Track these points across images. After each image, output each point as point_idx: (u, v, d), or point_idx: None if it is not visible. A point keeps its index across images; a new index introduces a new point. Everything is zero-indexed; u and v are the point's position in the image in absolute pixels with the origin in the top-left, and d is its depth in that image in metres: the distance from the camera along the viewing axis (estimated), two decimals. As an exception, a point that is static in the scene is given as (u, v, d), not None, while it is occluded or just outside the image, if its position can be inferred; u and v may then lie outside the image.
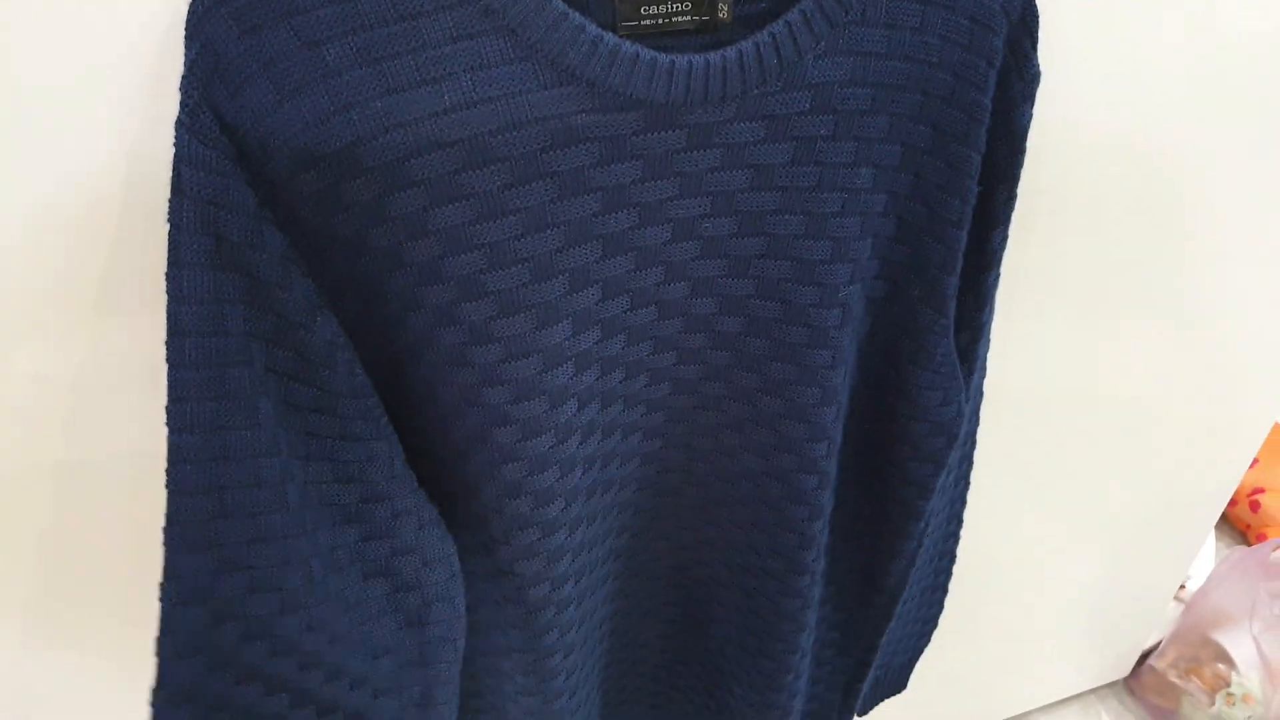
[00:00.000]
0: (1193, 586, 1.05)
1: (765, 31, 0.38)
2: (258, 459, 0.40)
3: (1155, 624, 1.03)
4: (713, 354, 0.48)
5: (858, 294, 0.47)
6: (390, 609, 0.48)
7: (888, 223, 0.46)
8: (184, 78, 0.34)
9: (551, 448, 0.47)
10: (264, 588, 0.42)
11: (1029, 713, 1.11)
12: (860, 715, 0.81)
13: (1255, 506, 1.18)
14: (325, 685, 0.46)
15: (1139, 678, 1.08)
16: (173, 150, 0.35)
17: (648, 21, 0.38)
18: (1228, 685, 0.96)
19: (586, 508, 0.52)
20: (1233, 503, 1.21)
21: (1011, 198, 0.49)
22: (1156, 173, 0.64)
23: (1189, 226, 0.68)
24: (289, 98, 0.35)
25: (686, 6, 0.38)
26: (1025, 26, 0.43)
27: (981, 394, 0.61)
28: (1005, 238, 0.50)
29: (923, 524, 0.59)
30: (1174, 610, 1.05)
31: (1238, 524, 1.24)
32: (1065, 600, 0.96)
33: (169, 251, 0.36)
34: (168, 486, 0.39)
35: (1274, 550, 0.96)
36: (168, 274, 0.36)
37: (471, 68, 0.35)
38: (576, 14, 0.35)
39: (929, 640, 0.80)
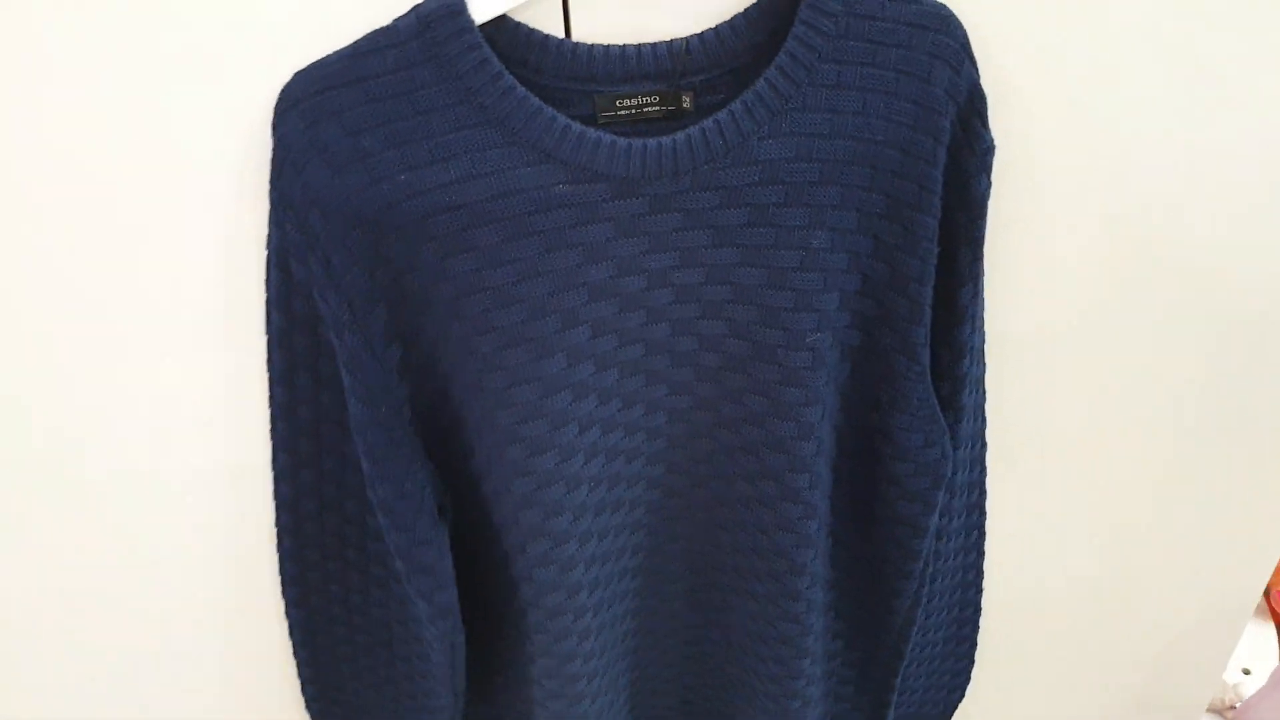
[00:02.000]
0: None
1: (711, 119, 0.46)
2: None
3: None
4: (699, 386, 0.56)
5: (828, 340, 0.54)
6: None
7: (852, 278, 0.52)
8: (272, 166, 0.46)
9: (557, 464, 0.55)
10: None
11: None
12: (895, 765, 0.83)
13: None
14: None
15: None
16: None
17: (624, 112, 0.47)
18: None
19: (596, 524, 0.59)
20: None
21: (976, 259, 0.54)
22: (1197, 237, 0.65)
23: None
24: (338, 174, 0.46)
25: (655, 100, 0.47)
26: (973, 106, 0.49)
27: (983, 442, 0.65)
28: (975, 295, 0.55)
29: (920, 563, 0.63)
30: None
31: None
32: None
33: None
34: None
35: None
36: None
37: (469, 150, 0.45)
38: (550, 109, 0.44)
39: (962, 694, 0.81)
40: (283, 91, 0.45)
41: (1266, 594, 1.15)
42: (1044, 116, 0.55)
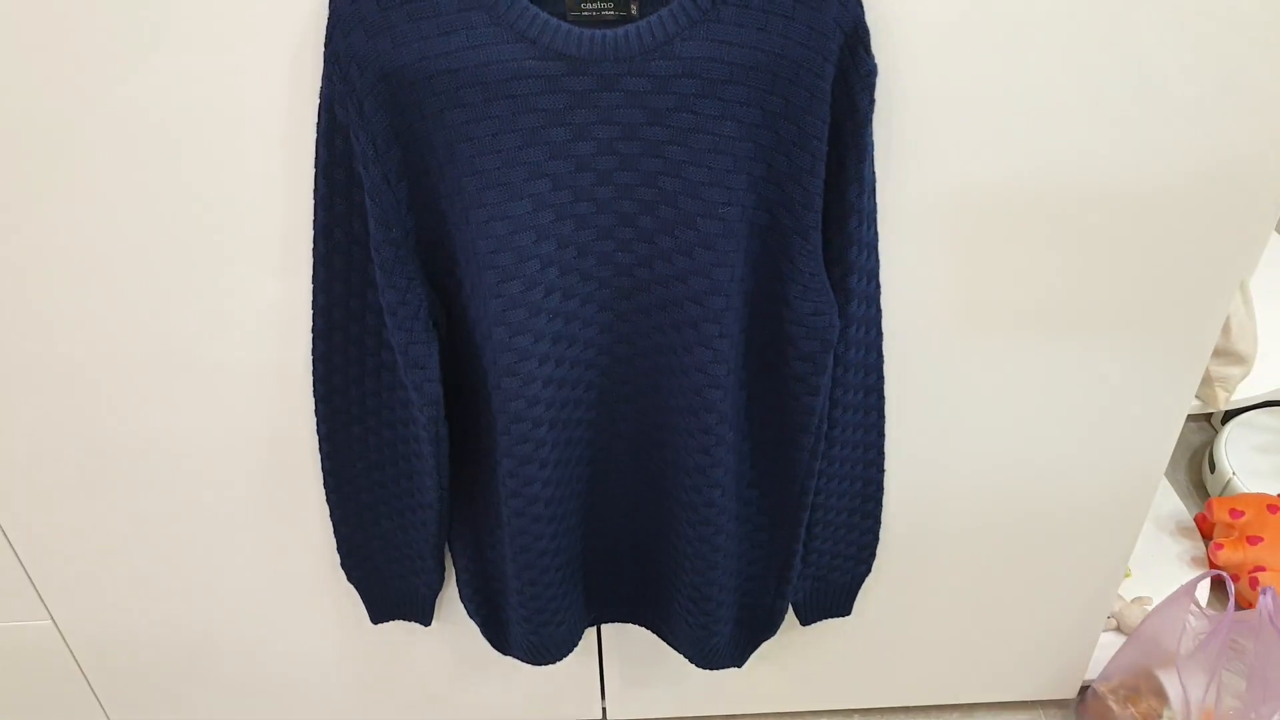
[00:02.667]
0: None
1: (645, 20, 0.61)
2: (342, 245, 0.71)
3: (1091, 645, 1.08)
4: (638, 245, 0.71)
5: (737, 214, 0.68)
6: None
7: (758, 165, 0.67)
8: (327, 30, 0.63)
9: (521, 291, 0.71)
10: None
11: (975, 705, 1.18)
12: (804, 624, 0.97)
13: (1254, 584, 1.16)
14: None
15: (1084, 700, 1.13)
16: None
17: (586, 13, 0.63)
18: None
19: (554, 350, 0.75)
20: (1234, 578, 1.20)
21: (861, 162, 0.68)
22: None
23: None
24: (372, 38, 0.62)
25: (610, 5, 0.63)
26: (857, 36, 0.63)
27: (876, 329, 0.78)
28: (861, 193, 0.69)
29: (814, 419, 0.77)
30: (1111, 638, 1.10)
31: (1242, 603, 1.21)
32: (1015, 608, 1.05)
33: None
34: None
35: (1198, 584, 0.98)
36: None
37: (466, 27, 0.61)
38: (526, 1, 0.60)
39: (868, 568, 0.95)
40: (339, -26, 0.62)
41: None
42: (923, 46, 0.68)
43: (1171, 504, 1.28)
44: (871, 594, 1.03)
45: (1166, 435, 0.89)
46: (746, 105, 0.64)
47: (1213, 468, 1.34)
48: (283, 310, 0.81)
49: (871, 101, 0.66)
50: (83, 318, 0.81)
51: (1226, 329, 0.86)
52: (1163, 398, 0.87)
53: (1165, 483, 1.31)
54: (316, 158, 0.70)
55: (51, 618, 1.05)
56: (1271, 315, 1.05)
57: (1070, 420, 0.89)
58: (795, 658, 1.10)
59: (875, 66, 0.65)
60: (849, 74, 0.64)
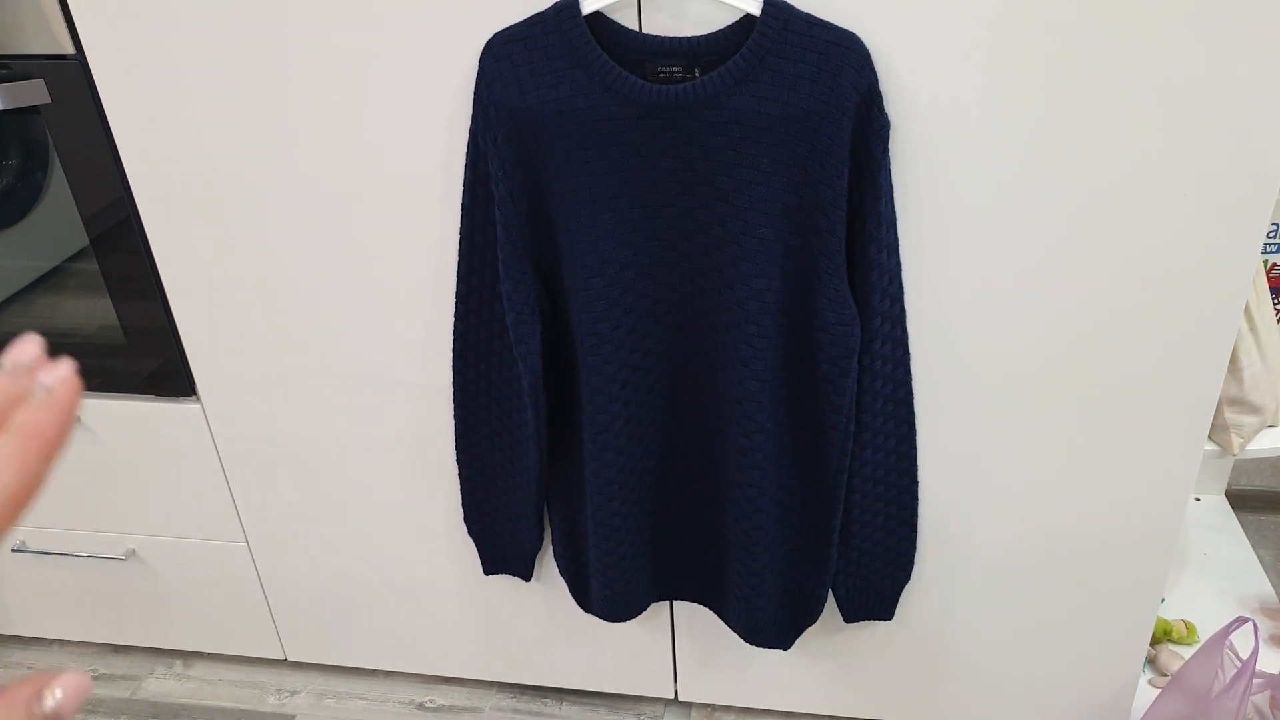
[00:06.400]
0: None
1: (701, 80, 0.80)
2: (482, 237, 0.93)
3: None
4: (696, 256, 0.89)
5: (772, 234, 0.85)
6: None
7: (789, 196, 0.84)
8: (476, 82, 0.87)
9: (602, 287, 0.90)
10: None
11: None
12: (847, 621, 1.08)
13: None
14: None
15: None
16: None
17: (661, 73, 0.83)
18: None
19: (629, 338, 0.94)
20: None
21: (877, 199, 0.83)
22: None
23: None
24: (506, 88, 0.85)
25: (679, 69, 0.82)
26: (871, 96, 0.79)
27: (903, 348, 0.91)
28: (879, 224, 0.84)
29: (841, 417, 0.91)
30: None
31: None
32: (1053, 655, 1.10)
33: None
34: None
35: (1232, 630, 0.98)
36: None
37: (569, 81, 0.83)
38: (615, 64, 0.81)
39: (907, 575, 1.05)
40: (487, 42, 0.86)
41: None
42: (929, 108, 0.83)
43: (1258, 584, 1.27)
44: (914, 618, 1.12)
45: (1187, 465, 0.94)
46: (779, 147, 0.81)
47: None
48: (430, 311, 1.05)
49: (885, 150, 0.81)
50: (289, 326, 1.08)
51: (1240, 380, 0.92)
52: (1179, 431, 0.93)
53: (1255, 560, 1.30)
54: (464, 175, 0.93)
55: (247, 540, 1.32)
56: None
57: (1091, 459, 0.97)
58: (848, 666, 1.20)
59: (888, 121, 0.80)
60: (865, 127, 0.80)
